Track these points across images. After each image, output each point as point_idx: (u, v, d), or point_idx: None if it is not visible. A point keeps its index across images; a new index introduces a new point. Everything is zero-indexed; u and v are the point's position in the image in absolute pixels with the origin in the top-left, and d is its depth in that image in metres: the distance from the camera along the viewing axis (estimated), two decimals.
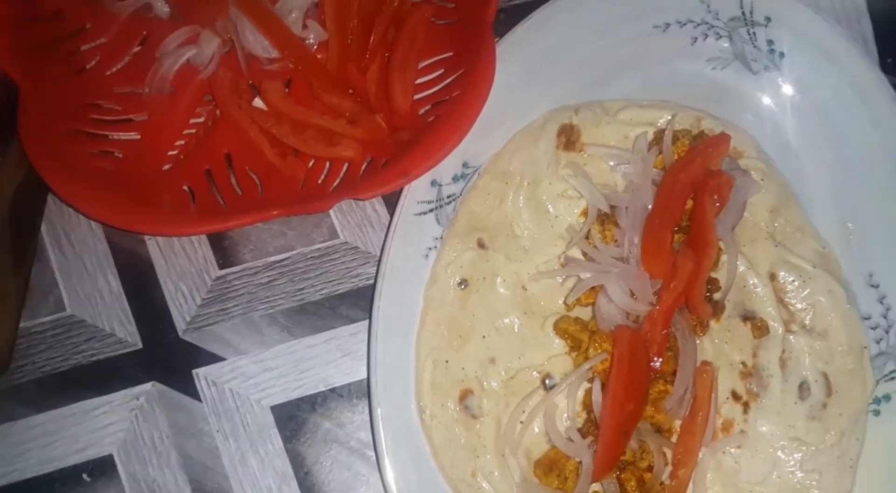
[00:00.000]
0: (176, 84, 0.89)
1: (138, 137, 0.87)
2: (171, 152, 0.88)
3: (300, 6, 0.90)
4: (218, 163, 0.87)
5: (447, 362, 0.81)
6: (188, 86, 0.89)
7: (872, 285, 0.86)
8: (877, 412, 0.83)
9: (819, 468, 0.80)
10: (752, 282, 0.85)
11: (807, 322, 0.85)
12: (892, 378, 0.83)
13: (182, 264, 0.88)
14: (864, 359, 0.83)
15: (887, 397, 0.83)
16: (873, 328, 0.85)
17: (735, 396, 0.83)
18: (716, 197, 0.82)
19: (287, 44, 0.88)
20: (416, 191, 0.83)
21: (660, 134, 0.88)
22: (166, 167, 0.87)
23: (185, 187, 0.85)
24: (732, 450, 0.82)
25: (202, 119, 0.90)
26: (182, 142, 0.89)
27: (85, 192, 0.79)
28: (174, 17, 0.90)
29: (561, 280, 0.85)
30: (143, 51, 0.90)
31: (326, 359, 0.86)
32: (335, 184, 0.85)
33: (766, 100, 0.91)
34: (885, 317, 0.85)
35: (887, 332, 0.85)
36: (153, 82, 0.88)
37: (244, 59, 0.89)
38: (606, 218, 0.85)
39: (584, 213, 0.86)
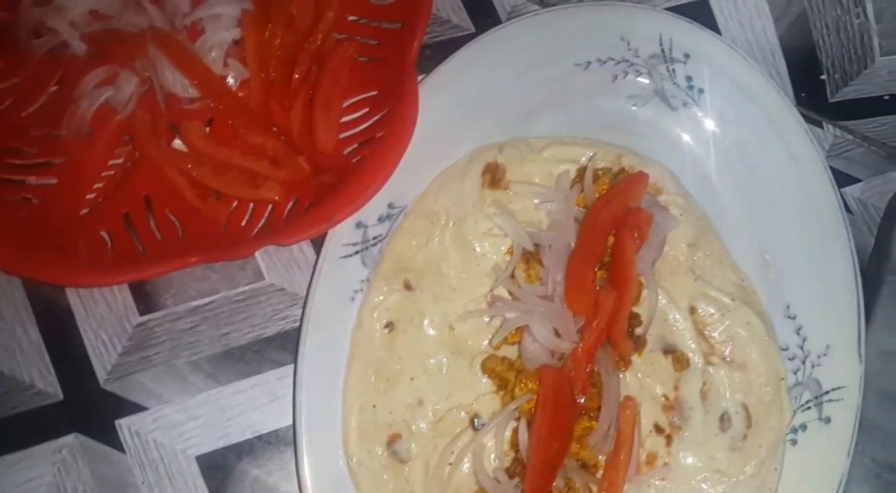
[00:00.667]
0: (94, 125, 0.87)
1: (55, 181, 0.85)
2: (89, 196, 0.86)
3: (220, 45, 0.88)
4: (137, 206, 0.85)
5: (374, 406, 0.81)
6: (106, 126, 0.87)
7: (790, 317, 0.89)
8: (794, 442, 0.85)
9: None
10: (672, 316, 0.87)
11: (726, 354, 0.87)
12: (809, 408, 0.86)
13: (102, 311, 0.86)
14: (782, 390, 0.85)
15: (804, 427, 0.85)
16: (791, 359, 0.87)
17: (658, 429, 0.85)
18: (636, 234, 0.84)
19: (207, 83, 0.87)
20: (341, 233, 0.83)
21: (582, 171, 0.89)
22: (84, 212, 0.85)
23: (103, 233, 0.83)
24: (657, 482, 0.83)
25: (121, 160, 0.88)
26: (100, 184, 0.86)
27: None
28: (91, 56, 0.88)
29: (488, 319, 0.85)
30: (59, 91, 0.88)
31: (253, 405, 0.85)
32: (259, 226, 0.84)
33: (686, 135, 0.93)
34: (801, 348, 0.88)
35: (804, 362, 0.87)
36: (70, 124, 0.86)
37: (163, 98, 0.87)
38: (531, 256, 0.86)
39: (511, 251, 0.87)
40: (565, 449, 0.79)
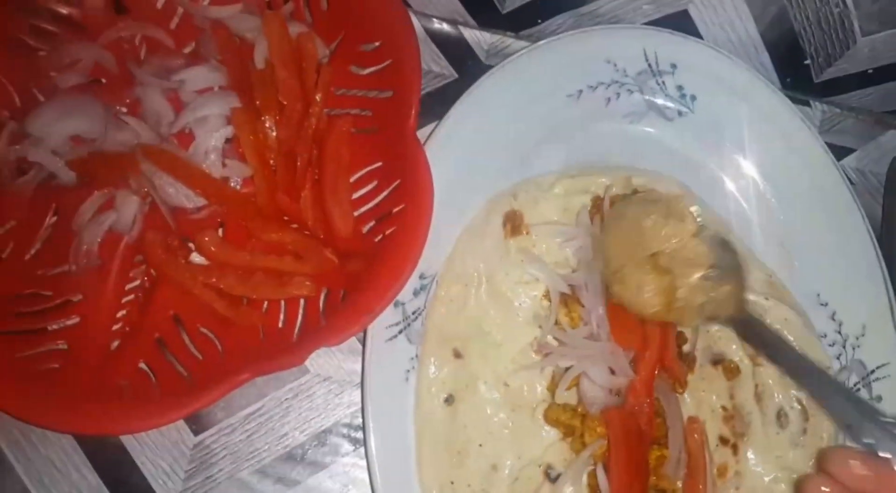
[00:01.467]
0: (102, 254, 0.84)
1: (78, 320, 0.82)
2: (115, 327, 0.83)
3: (216, 147, 0.86)
4: (167, 327, 0.83)
5: (452, 482, 0.81)
6: (115, 253, 0.84)
7: (822, 304, 0.91)
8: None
9: None
10: (714, 327, 0.89)
11: None
12: (858, 390, 0.88)
13: (154, 439, 0.84)
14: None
15: None
16: (831, 345, 0.90)
17: (723, 440, 0.87)
18: None
19: (211, 189, 0.85)
20: (382, 317, 0.81)
21: (598, 201, 0.90)
22: (115, 345, 0.83)
23: (142, 365, 0.81)
24: (733, 491, 0.86)
25: (138, 282, 0.86)
26: (123, 312, 0.84)
27: (39, 405, 0.74)
28: (83, 183, 0.85)
29: (540, 369, 0.86)
30: (57, 224, 0.85)
31: None
32: (297, 325, 0.83)
33: (687, 143, 0.94)
34: (839, 332, 0.90)
35: (844, 347, 0.90)
36: (78, 258, 0.83)
37: (169, 213, 0.85)
38: (569, 298, 0.87)
39: (546, 294, 0.87)
40: (645, 485, 0.81)
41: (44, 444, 0.83)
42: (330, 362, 0.88)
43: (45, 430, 0.82)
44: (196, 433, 0.85)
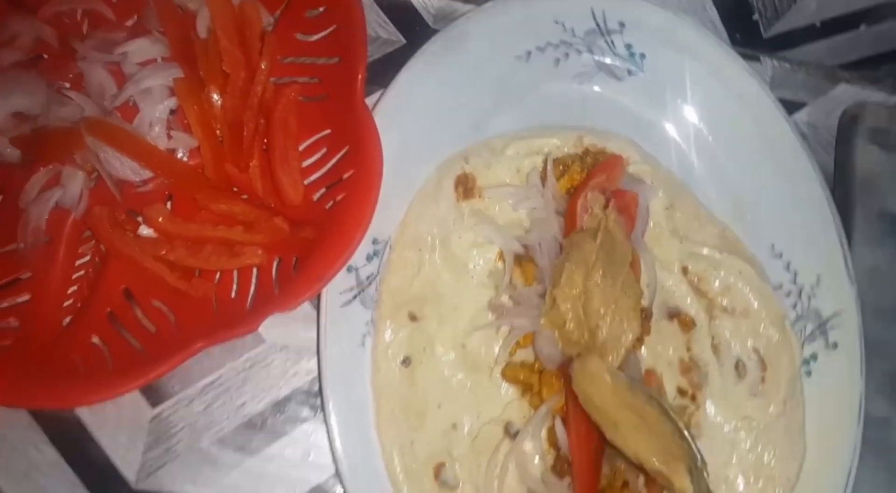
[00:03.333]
0: (50, 231, 0.83)
1: (28, 297, 0.81)
2: (66, 303, 0.82)
3: (160, 119, 0.85)
4: (119, 302, 0.82)
5: (412, 442, 0.81)
6: (63, 229, 0.83)
7: (776, 256, 0.92)
8: (808, 373, 0.89)
9: (772, 440, 0.86)
10: (668, 281, 0.89)
11: (727, 305, 0.90)
12: (815, 338, 0.89)
13: (112, 413, 0.83)
14: (786, 328, 0.89)
15: (814, 357, 0.89)
16: (787, 296, 0.91)
17: (681, 392, 0.88)
18: (624, 217, 0.85)
19: (157, 161, 0.84)
20: (336, 282, 0.82)
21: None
22: (66, 321, 0.82)
23: (95, 339, 0.80)
24: None
25: (87, 257, 0.85)
26: (74, 288, 0.83)
27: None
28: (27, 161, 0.84)
29: (496, 329, 0.86)
30: (3, 203, 0.84)
31: (289, 466, 0.84)
32: (250, 294, 0.82)
33: (638, 102, 0.94)
34: (794, 283, 0.91)
35: (799, 296, 0.90)
36: (26, 236, 0.82)
37: (115, 187, 0.84)
38: (523, 258, 0.87)
39: (500, 256, 0.87)
40: (604, 440, 0.81)
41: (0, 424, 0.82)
42: (286, 331, 0.87)
43: None
44: (153, 405, 0.84)
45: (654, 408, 0.76)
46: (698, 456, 0.76)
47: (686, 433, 0.76)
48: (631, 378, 0.78)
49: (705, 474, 0.75)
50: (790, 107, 1.01)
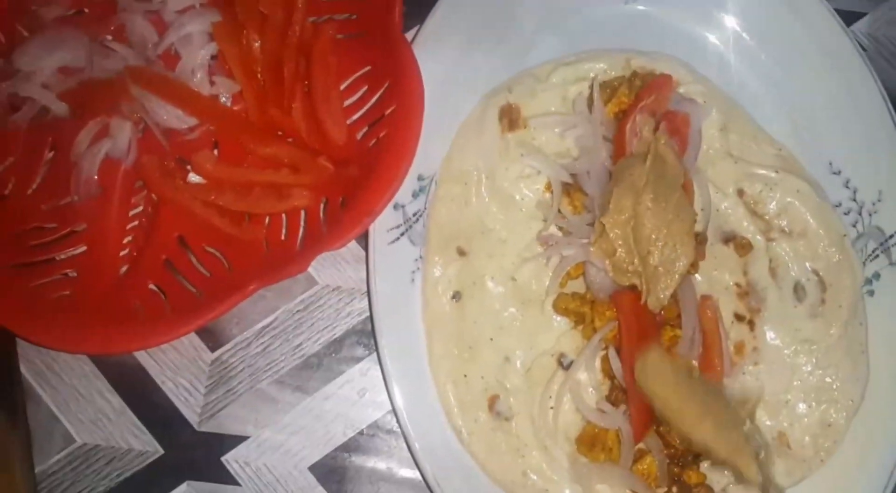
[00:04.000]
0: (102, 182, 0.85)
1: (85, 248, 0.83)
2: (122, 253, 0.84)
3: (202, 65, 0.85)
4: (174, 249, 0.84)
5: (465, 376, 0.82)
6: (115, 180, 0.85)
7: (834, 173, 0.89)
8: (871, 293, 0.86)
9: (834, 363, 0.84)
10: (723, 205, 0.87)
11: (784, 226, 0.87)
12: (877, 256, 0.86)
13: (173, 359, 0.86)
14: (846, 247, 0.86)
15: (877, 276, 0.86)
16: (846, 214, 0.88)
17: (738, 317, 0.86)
18: (676, 138, 0.82)
19: (201, 107, 0.85)
20: (383, 220, 0.82)
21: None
22: (123, 269, 0.84)
23: (152, 286, 0.82)
24: (751, 367, 0.85)
25: (140, 208, 0.86)
26: (129, 238, 0.85)
27: (54, 328, 0.75)
28: (76, 114, 0.85)
29: (545, 261, 0.85)
30: (56, 158, 0.86)
31: (346, 404, 0.86)
32: (299, 235, 0.83)
33: (686, 20, 0.91)
34: (854, 200, 0.88)
35: (860, 214, 0.87)
36: (79, 189, 0.84)
37: (162, 135, 0.85)
38: (571, 187, 0.85)
39: (548, 186, 0.86)
40: None
41: (67, 373, 0.85)
42: (337, 273, 0.88)
43: (65, 356, 0.84)
44: (213, 349, 0.86)
45: (716, 399, 0.77)
46: (761, 447, 0.77)
47: (748, 423, 0.78)
48: (690, 371, 0.78)
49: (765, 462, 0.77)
50: (849, 17, 0.97)
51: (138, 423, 0.85)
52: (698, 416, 0.75)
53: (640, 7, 0.91)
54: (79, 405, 0.84)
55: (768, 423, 0.83)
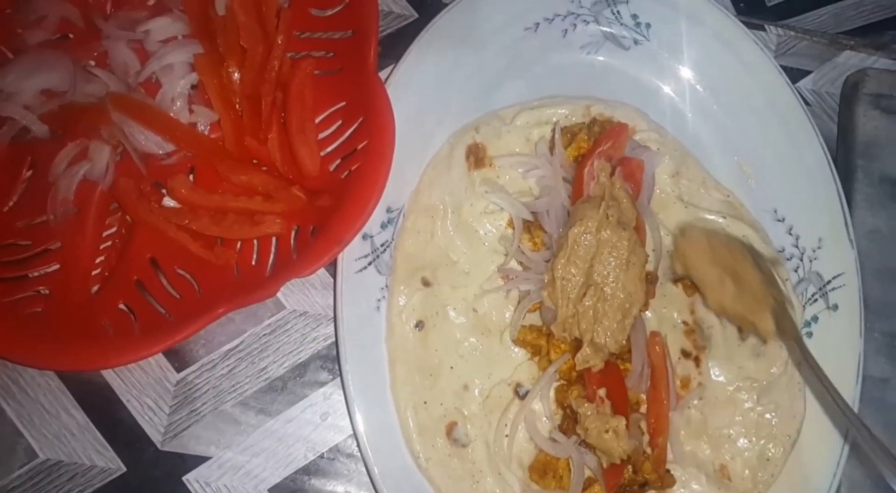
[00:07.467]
0: (78, 202, 0.87)
1: (58, 266, 0.85)
2: (95, 272, 0.86)
3: (182, 93, 0.89)
4: (145, 270, 0.86)
5: (425, 402, 0.85)
6: (91, 201, 0.87)
7: (779, 220, 0.94)
8: (810, 335, 0.91)
9: (774, 400, 0.89)
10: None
11: None
12: (816, 300, 0.92)
13: (139, 378, 0.87)
14: (788, 290, 0.91)
15: (815, 319, 0.91)
16: (789, 259, 0.93)
17: (685, 354, 0.90)
18: (630, 184, 0.87)
19: (180, 134, 0.88)
20: (351, 249, 0.85)
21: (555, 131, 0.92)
22: (95, 288, 0.86)
23: (122, 305, 0.84)
24: (696, 402, 0.89)
25: (114, 229, 0.88)
26: (102, 258, 0.87)
27: (24, 344, 0.77)
28: (56, 136, 0.88)
29: (505, 294, 0.89)
30: (33, 177, 0.88)
31: (308, 427, 0.88)
32: (270, 261, 0.86)
33: (644, 71, 0.97)
34: (796, 246, 0.93)
35: (801, 260, 0.93)
36: (55, 208, 0.86)
37: (140, 160, 0.88)
38: (532, 225, 0.90)
39: (510, 223, 0.90)
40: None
41: (32, 388, 0.86)
42: (305, 298, 0.91)
43: (31, 371, 0.86)
44: (179, 370, 0.88)
45: (746, 259, 0.86)
46: (788, 298, 0.87)
47: (777, 278, 0.88)
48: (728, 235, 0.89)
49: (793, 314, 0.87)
50: (795, 75, 1.03)
51: (102, 440, 0.86)
52: (718, 278, 0.85)
53: (601, 58, 0.96)
54: (43, 421, 0.86)
55: (710, 455, 0.87)
